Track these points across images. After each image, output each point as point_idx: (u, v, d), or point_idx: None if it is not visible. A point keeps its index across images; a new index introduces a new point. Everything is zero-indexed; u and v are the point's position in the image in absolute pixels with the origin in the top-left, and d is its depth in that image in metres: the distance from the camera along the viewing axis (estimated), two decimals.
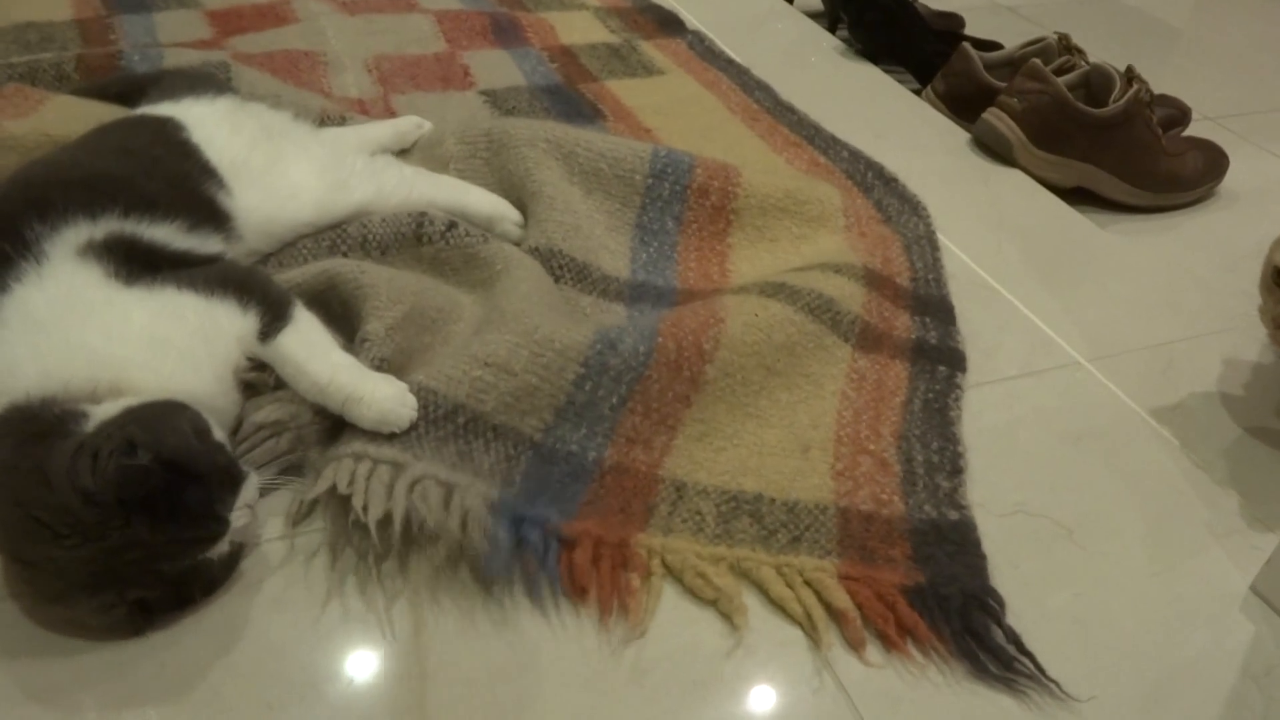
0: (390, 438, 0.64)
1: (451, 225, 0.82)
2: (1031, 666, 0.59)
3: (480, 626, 0.58)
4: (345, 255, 0.81)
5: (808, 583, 0.63)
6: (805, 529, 0.66)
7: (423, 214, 0.83)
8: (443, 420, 0.66)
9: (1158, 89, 1.47)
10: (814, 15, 1.52)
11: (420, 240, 0.82)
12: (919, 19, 1.38)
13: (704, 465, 0.69)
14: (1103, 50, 1.60)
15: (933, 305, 0.89)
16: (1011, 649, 0.60)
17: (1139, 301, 0.94)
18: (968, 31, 1.56)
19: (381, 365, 0.68)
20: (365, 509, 0.60)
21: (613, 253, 0.91)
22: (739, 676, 0.57)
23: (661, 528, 0.65)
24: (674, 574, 0.62)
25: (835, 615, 0.61)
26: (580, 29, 1.36)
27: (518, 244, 0.87)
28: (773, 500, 0.68)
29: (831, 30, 1.47)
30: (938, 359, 0.83)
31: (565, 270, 0.85)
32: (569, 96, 1.18)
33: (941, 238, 0.98)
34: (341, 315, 0.74)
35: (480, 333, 0.72)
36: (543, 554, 0.61)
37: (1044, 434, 0.77)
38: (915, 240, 0.97)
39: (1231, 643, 0.62)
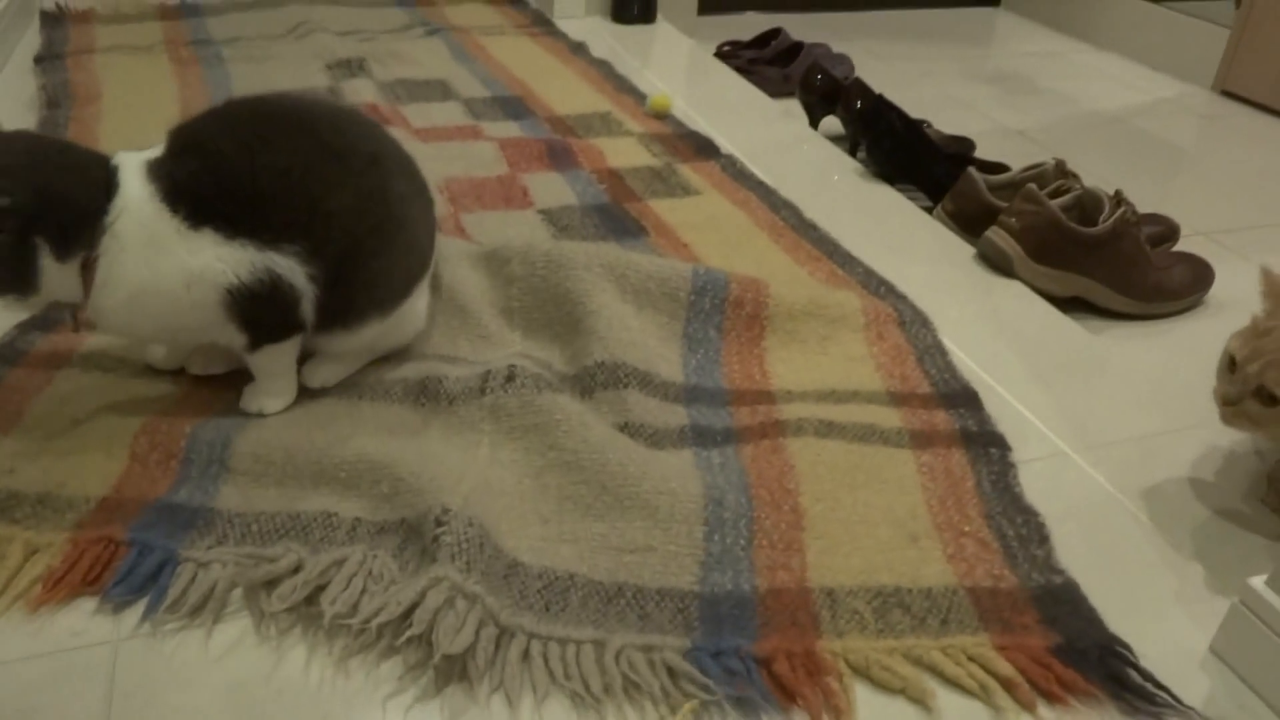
0: (582, 620, 0.74)
1: (510, 377, 0.94)
2: (1171, 698, 0.70)
3: None
4: (424, 405, 0.94)
5: (972, 659, 0.73)
6: (948, 611, 0.76)
7: (487, 370, 0.96)
8: (614, 597, 0.77)
9: (1161, 207, 1.61)
10: (836, 139, 1.68)
11: (484, 391, 0.94)
12: (931, 144, 1.54)
13: (841, 570, 0.80)
14: (1111, 169, 1.74)
15: (960, 398, 1.01)
16: (1150, 686, 0.71)
17: (1123, 399, 1.05)
18: (979, 154, 1.72)
19: (469, 529, 0.78)
20: (587, 686, 0.70)
21: (668, 360, 1.04)
22: None
23: (833, 631, 0.75)
24: (859, 671, 0.72)
25: (1004, 683, 0.71)
26: (626, 153, 1.53)
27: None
28: (910, 590, 0.78)
29: (852, 154, 1.63)
30: (985, 442, 0.94)
31: (631, 378, 0.98)
32: (616, 214, 1.34)
33: (947, 342, 1.10)
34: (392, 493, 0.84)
35: (603, 519, 0.83)
36: (748, 675, 0.71)
37: None
38: (926, 350, 1.09)
39: (1192, 697, 0.72)
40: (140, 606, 0.74)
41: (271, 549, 0.78)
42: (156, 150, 0.87)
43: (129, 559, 0.77)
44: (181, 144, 0.87)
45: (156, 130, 0.90)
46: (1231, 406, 0.84)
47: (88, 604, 0.74)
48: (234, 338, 0.89)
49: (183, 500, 0.83)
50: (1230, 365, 0.86)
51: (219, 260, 0.84)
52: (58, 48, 1.79)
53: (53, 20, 1.94)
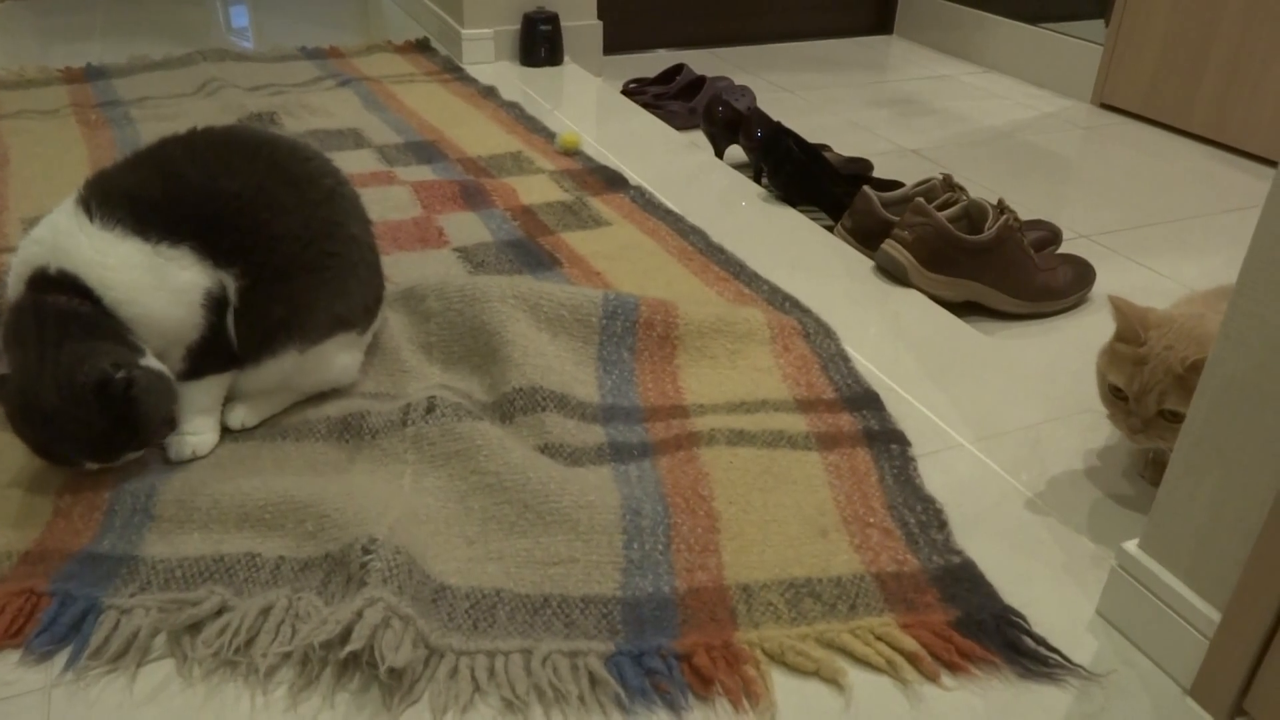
0: (509, 632, 0.77)
1: (431, 408, 0.98)
2: (1062, 659, 0.76)
3: None
4: (347, 441, 0.97)
5: (879, 638, 0.77)
6: (857, 597, 0.81)
7: (408, 403, 0.99)
8: (541, 608, 0.80)
9: (1048, 213, 1.70)
10: (740, 167, 1.75)
11: (405, 423, 0.97)
12: (829, 167, 1.61)
13: (755, 567, 0.84)
14: (1001, 182, 1.84)
15: (862, 400, 1.07)
16: (1043, 650, 0.76)
17: (1014, 392, 1.11)
18: (877, 173, 1.80)
19: (397, 555, 0.80)
20: (513, 690, 0.72)
21: (583, 383, 1.08)
22: None
23: (749, 623, 0.79)
24: (774, 658, 0.76)
25: (909, 658, 0.76)
26: (538, 190, 1.57)
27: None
28: (820, 580, 0.83)
29: (756, 180, 1.70)
30: (887, 440, 1.00)
31: (549, 401, 1.02)
32: (530, 248, 1.38)
33: (850, 349, 1.16)
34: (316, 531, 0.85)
35: (527, 535, 0.86)
36: (668, 672, 0.74)
37: None
38: (830, 358, 1.15)
39: (1081, 656, 0.77)
40: (65, 655, 0.74)
41: (194, 593, 0.79)
42: (71, 201, 0.90)
43: (51, 610, 0.77)
44: (144, 164, 0.93)
45: (68, 192, 0.91)
46: (1140, 433, 0.90)
47: (14, 656, 0.74)
48: (174, 363, 0.92)
49: (106, 550, 0.84)
50: (1114, 393, 0.91)
51: (194, 274, 0.90)
52: None
53: None
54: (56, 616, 0.77)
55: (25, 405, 0.84)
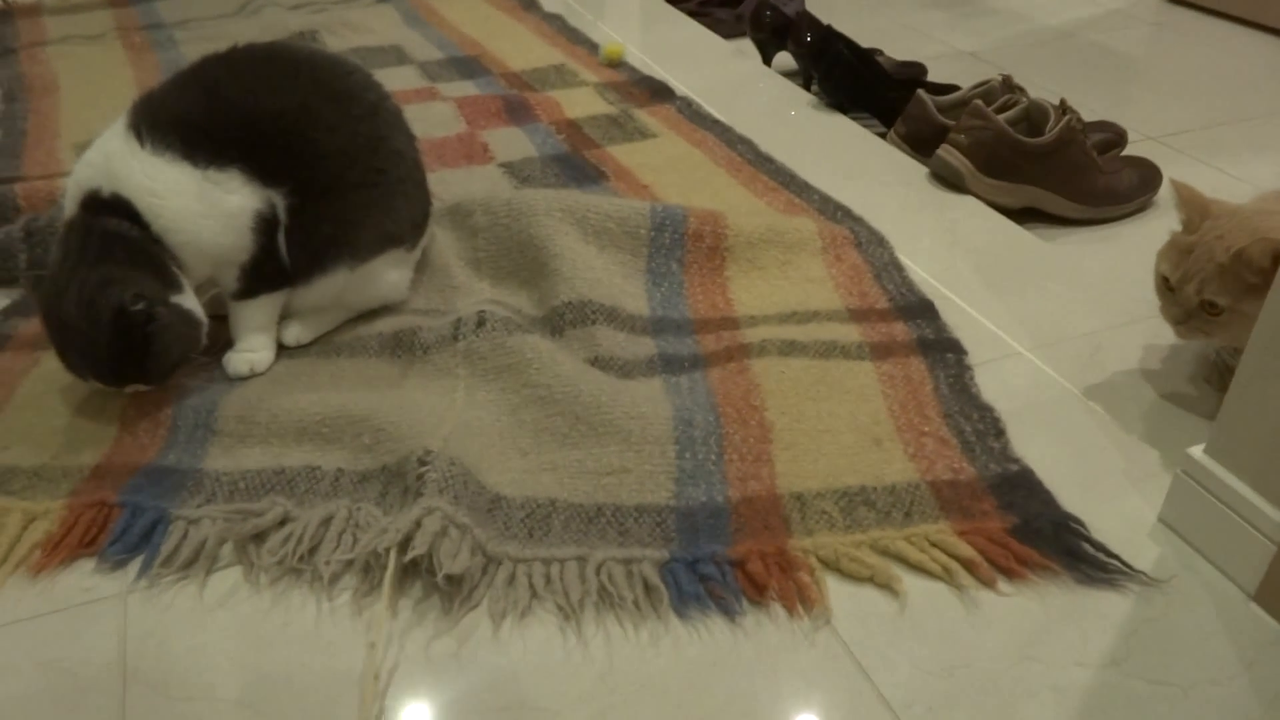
0: (565, 541, 0.78)
1: (481, 322, 0.98)
2: (1122, 564, 0.75)
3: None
4: (400, 356, 0.98)
5: (935, 544, 0.77)
6: (912, 504, 0.81)
7: (458, 318, 0.99)
8: (595, 518, 0.80)
9: (1114, 115, 1.63)
10: (789, 74, 1.70)
11: (456, 338, 0.98)
12: (881, 71, 1.55)
13: (808, 476, 0.84)
14: (1064, 83, 1.76)
15: (917, 309, 1.05)
16: (1102, 556, 0.76)
17: (1075, 299, 1.08)
18: (932, 78, 1.74)
19: (452, 467, 0.81)
20: (568, 597, 0.74)
21: (632, 296, 1.07)
22: (911, 627, 0.72)
23: (803, 531, 0.79)
24: (829, 565, 0.76)
25: (965, 564, 0.76)
26: (582, 103, 1.54)
27: None
28: (875, 488, 0.82)
29: (806, 87, 1.65)
30: (942, 348, 0.98)
31: (598, 314, 1.01)
32: (575, 162, 1.36)
33: (904, 259, 1.13)
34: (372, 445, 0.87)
35: (579, 447, 0.86)
36: (722, 578, 0.75)
37: None
38: (883, 267, 1.12)
39: (1142, 562, 0.76)
40: (138, 564, 0.77)
41: (258, 504, 0.81)
42: (122, 125, 0.90)
43: (123, 520, 0.80)
44: (189, 85, 0.93)
45: (116, 118, 0.92)
46: (1182, 325, 0.87)
47: (88, 564, 0.77)
48: (229, 283, 0.94)
49: (171, 463, 0.86)
50: (1165, 285, 0.88)
51: (242, 197, 0.90)
52: (8, 42, 1.79)
53: (0, 15, 1.93)
54: (128, 526, 0.80)
55: (49, 308, 0.86)
